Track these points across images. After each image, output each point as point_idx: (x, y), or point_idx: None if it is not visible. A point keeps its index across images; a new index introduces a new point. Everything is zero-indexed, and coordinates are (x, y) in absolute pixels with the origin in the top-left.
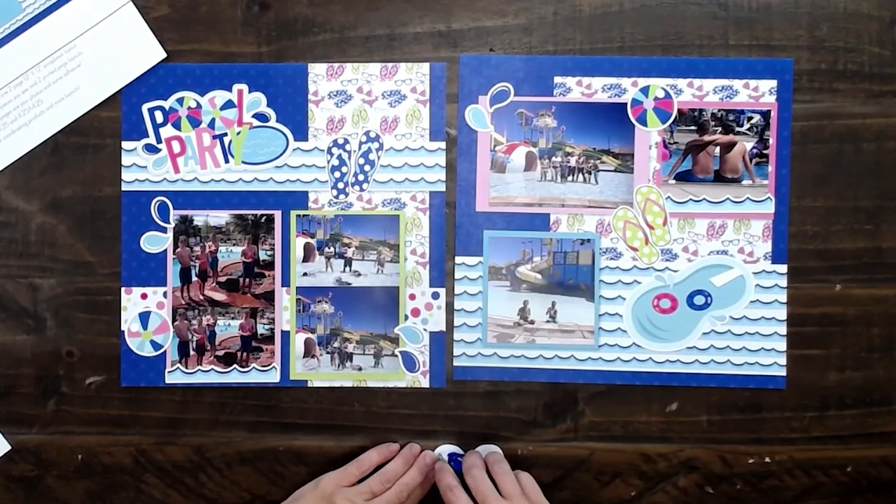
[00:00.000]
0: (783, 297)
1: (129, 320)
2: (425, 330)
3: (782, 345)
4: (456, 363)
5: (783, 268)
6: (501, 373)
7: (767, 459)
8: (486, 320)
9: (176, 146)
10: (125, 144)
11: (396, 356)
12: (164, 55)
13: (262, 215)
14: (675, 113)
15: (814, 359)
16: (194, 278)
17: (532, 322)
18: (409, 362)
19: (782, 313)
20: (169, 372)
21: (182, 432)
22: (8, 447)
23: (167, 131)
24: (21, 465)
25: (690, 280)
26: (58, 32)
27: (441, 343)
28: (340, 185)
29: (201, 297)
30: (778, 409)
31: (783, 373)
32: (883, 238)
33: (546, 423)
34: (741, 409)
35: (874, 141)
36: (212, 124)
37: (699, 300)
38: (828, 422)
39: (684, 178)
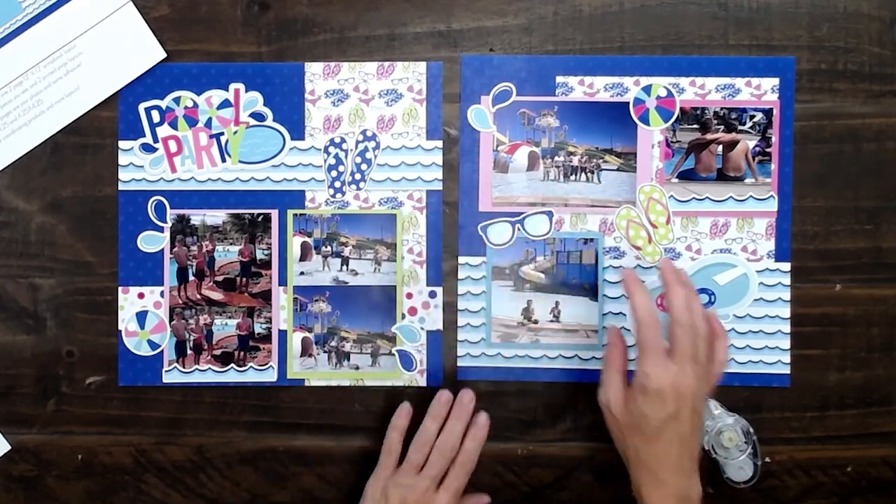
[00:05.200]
0: (787, 296)
1: (126, 320)
2: (422, 329)
3: (786, 343)
4: (460, 363)
5: (787, 266)
6: (505, 373)
7: (767, 459)
8: (490, 320)
9: (173, 145)
10: (122, 144)
11: (394, 355)
12: (163, 55)
13: (259, 214)
14: (677, 112)
15: (814, 359)
16: (191, 278)
17: (536, 322)
18: (407, 361)
19: (786, 311)
20: (166, 371)
21: (182, 432)
22: (8, 447)
23: (164, 131)
24: (21, 465)
25: (694, 278)
26: (58, 32)
27: (438, 342)
28: (337, 185)
29: (198, 297)
30: (778, 409)
31: (787, 371)
32: (883, 238)
33: (546, 423)
34: (741, 409)
35: (874, 141)
36: (208, 123)
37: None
38: (828, 422)
39: (687, 176)
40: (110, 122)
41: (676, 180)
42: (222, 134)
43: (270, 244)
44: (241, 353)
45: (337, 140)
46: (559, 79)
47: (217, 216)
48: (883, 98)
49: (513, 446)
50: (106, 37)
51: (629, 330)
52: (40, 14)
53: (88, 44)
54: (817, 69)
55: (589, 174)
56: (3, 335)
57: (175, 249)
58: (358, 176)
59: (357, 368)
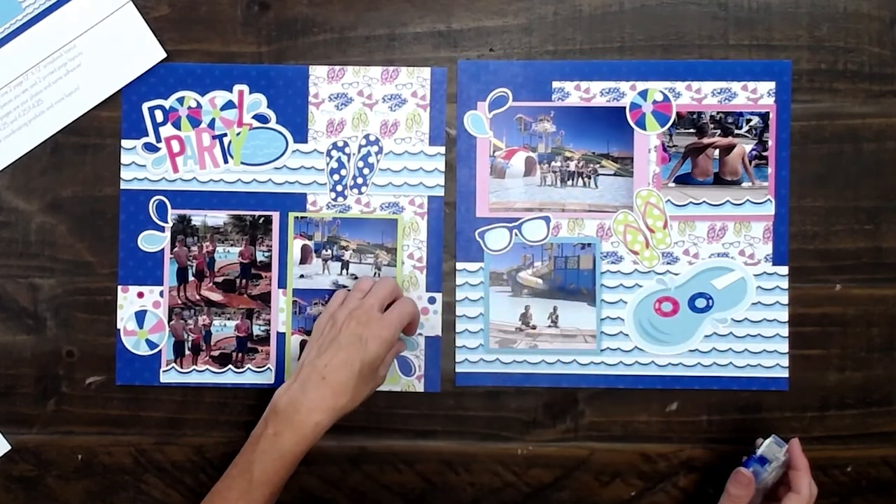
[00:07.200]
0: (784, 299)
1: (124, 319)
2: (421, 334)
3: (784, 346)
4: (458, 369)
5: (784, 269)
6: (504, 378)
7: None
8: (488, 326)
9: (175, 146)
10: (124, 143)
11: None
12: (164, 55)
13: (260, 216)
14: (673, 116)
15: (814, 359)
16: (191, 278)
17: (534, 327)
18: (405, 366)
19: (784, 315)
20: (164, 371)
21: (182, 432)
22: (8, 447)
23: (167, 130)
24: (21, 465)
25: (692, 283)
26: (58, 32)
27: (437, 348)
28: (339, 188)
29: (197, 297)
30: (778, 409)
31: (785, 374)
32: (883, 238)
33: (546, 423)
34: (741, 409)
35: (874, 141)
36: (212, 124)
37: (700, 303)
38: (828, 422)
39: (684, 181)
40: (110, 121)
41: (673, 185)
42: (225, 135)
43: (271, 246)
44: (239, 355)
45: (340, 144)
46: (555, 84)
47: (218, 217)
48: (883, 98)
49: (513, 446)
50: (106, 37)
51: (627, 335)
52: (40, 14)
53: (88, 44)
54: (817, 69)
55: (586, 179)
56: (3, 335)
57: (175, 249)
58: (360, 180)
59: None
